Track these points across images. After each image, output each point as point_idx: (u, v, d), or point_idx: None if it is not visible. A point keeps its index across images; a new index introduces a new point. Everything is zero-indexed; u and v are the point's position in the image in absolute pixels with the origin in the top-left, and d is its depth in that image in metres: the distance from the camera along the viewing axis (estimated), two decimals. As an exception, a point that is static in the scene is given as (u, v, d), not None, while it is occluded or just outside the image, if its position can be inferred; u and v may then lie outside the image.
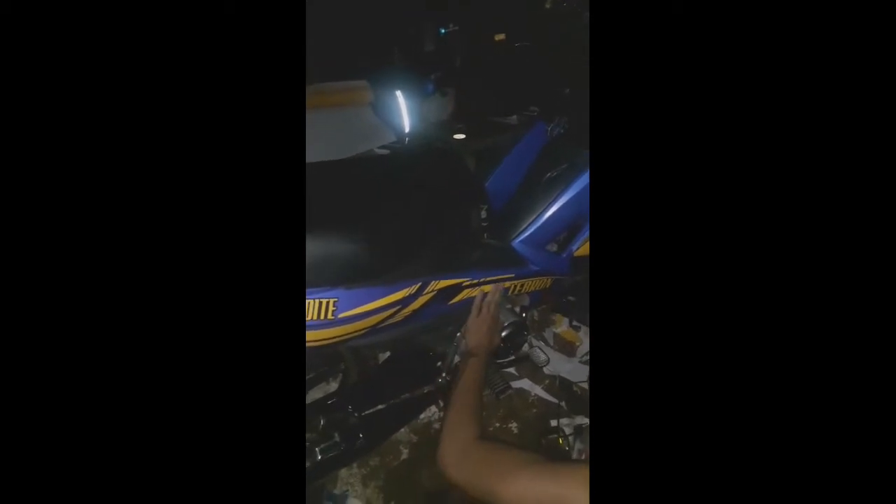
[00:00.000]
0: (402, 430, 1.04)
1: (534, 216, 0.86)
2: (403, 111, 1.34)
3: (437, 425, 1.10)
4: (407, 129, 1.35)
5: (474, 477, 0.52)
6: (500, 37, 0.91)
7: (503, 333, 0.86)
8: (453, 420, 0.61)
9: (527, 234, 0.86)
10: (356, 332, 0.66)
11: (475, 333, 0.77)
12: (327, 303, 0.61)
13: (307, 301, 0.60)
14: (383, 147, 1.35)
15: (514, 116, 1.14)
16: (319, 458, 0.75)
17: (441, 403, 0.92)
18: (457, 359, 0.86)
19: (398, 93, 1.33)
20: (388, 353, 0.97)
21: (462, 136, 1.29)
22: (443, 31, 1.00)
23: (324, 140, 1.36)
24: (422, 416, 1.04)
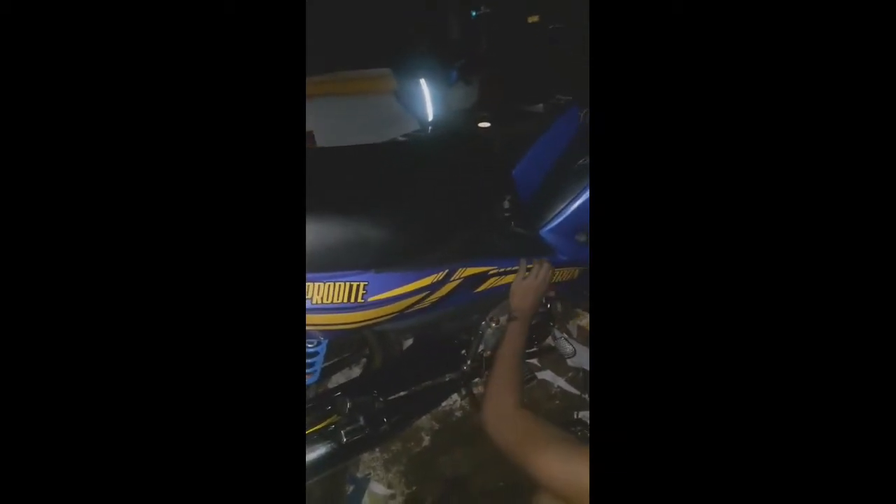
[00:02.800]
0: (424, 417, 1.05)
1: (563, 205, 0.84)
2: (427, 99, 1.34)
3: (458, 413, 1.10)
4: (430, 118, 1.35)
5: (511, 443, 0.57)
6: (533, 18, 0.89)
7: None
8: (496, 385, 0.66)
9: (555, 223, 0.85)
10: (385, 316, 0.66)
11: (521, 295, 0.78)
12: (358, 286, 0.61)
13: (338, 284, 0.60)
14: (406, 135, 1.34)
15: (541, 105, 1.12)
16: (345, 440, 0.75)
17: (463, 392, 0.92)
18: (481, 347, 0.86)
19: (422, 81, 1.32)
20: (411, 340, 0.97)
21: (487, 125, 1.27)
22: (474, 13, 0.99)
23: (347, 127, 1.37)
24: (443, 403, 1.05)
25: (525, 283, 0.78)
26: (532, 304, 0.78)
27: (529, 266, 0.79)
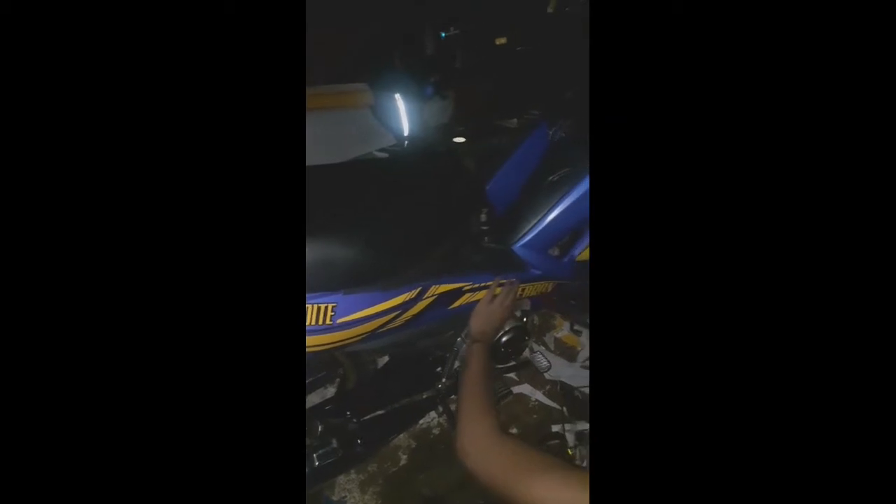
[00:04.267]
0: (401, 435, 1.03)
1: (535, 220, 0.85)
2: (403, 114, 1.34)
3: (436, 430, 1.09)
4: (406, 133, 1.35)
5: (494, 471, 0.52)
6: (501, 40, 0.90)
7: (504, 339, 0.85)
8: (468, 409, 0.61)
9: (528, 238, 0.85)
10: (355, 337, 0.65)
11: (483, 319, 0.76)
12: (325, 308, 0.60)
13: (306, 306, 0.59)
14: (382, 150, 1.34)
15: (515, 120, 1.14)
16: (317, 464, 0.74)
17: (440, 409, 0.91)
18: (457, 364, 0.85)
19: (397, 96, 1.33)
20: (386, 359, 0.96)
21: (462, 140, 1.29)
22: (443, 34, 1.00)
23: (322, 142, 1.36)
24: (421, 421, 1.03)
25: (492, 306, 0.77)
26: (496, 327, 0.77)
27: (501, 284, 0.78)
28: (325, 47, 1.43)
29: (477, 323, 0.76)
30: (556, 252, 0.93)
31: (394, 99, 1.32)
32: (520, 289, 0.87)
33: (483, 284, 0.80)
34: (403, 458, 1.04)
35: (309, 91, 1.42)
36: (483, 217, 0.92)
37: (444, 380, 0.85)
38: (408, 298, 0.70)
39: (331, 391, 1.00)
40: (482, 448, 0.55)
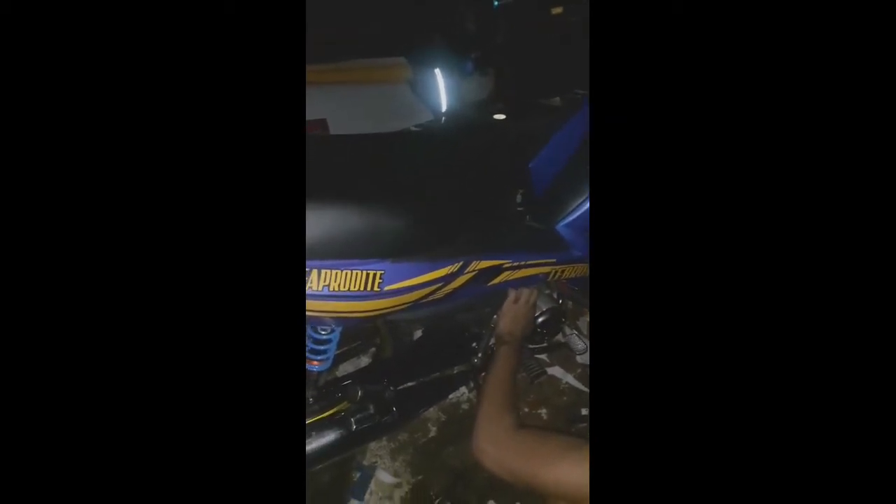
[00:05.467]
0: (432, 408, 1.05)
1: (580, 200, 0.83)
2: (441, 90, 1.32)
3: (465, 406, 1.10)
4: (444, 109, 1.33)
5: (514, 466, 0.53)
6: (557, 10, 0.87)
7: (540, 319, 0.84)
8: (488, 411, 0.61)
9: (572, 217, 0.83)
10: (399, 305, 0.66)
11: (510, 318, 0.76)
12: (374, 274, 0.61)
13: (355, 272, 0.60)
14: (419, 125, 1.33)
15: (557, 98, 1.10)
16: (354, 428, 0.76)
17: (472, 384, 0.92)
18: (492, 341, 0.85)
19: (437, 71, 1.31)
20: (420, 331, 0.97)
21: (502, 117, 1.26)
22: (496, 3, 0.97)
23: (360, 115, 1.36)
24: (451, 395, 1.05)
25: (516, 306, 0.77)
26: (524, 326, 0.76)
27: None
28: (364, 21, 1.41)
29: (505, 323, 0.76)
30: (598, 234, 0.91)
31: (432, 74, 1.30)
32: (560, 270, 0.86)
33: (523, 263, 0.80)
34: (433, 430, 1.07)
35: (346, 65, 1.41)
36: (518, 198, 0.91)
37: (479, 355, 0.86)
38: (450, 271, 0.70)
39: (364, 361, 1.02)
40: (500, 445, 0.55)
